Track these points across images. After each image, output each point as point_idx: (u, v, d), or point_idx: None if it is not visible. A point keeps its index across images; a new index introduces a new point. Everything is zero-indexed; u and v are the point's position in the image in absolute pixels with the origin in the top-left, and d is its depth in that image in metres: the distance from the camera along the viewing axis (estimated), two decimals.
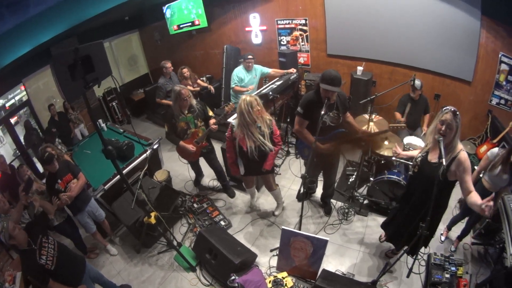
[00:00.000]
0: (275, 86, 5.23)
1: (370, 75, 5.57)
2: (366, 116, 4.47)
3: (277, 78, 5.58)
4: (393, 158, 3.44)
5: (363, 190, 4.72)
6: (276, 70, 5.72)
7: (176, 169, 5.45)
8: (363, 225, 4.30)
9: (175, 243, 3.95)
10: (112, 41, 7.97)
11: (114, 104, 7.63)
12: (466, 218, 3.80)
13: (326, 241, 3.32)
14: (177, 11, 7.26)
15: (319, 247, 3.38)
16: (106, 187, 4.22)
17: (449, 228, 4.00)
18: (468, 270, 3.62)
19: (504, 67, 4.48)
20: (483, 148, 4.78)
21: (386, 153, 4.18)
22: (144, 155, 4.70)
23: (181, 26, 7.39)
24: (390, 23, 5.20)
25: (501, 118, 4.72)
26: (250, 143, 3.58)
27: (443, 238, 4.02)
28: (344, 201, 4.64)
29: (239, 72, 5.43)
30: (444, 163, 2.38)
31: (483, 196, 3.24)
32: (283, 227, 3.53)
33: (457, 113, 2.52)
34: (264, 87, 5.32)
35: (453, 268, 3.38)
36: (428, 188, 2.53)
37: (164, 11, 7.46)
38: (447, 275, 3.32)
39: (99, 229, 4.20)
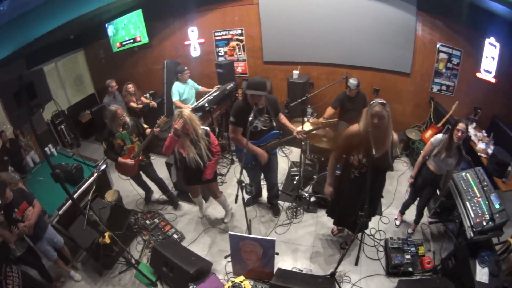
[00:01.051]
0: (211, 97, 5.34)
1: (306, 77, 5.82)
2: (305, 118, 4.63)
3: (215, 89, 5.72)
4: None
5: (309, 188, 4.89)
6: (204, 88, 5.94)
7: (127, 188, 5.37)
8: (313, 222, 4.49)
9: (133, 261, 3.97)
10: (58, 62, 7.71)
11: (62, 127, 7.43)
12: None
13: (273, 241, 3.47)
14: (119, 28, 7.22)
15: (268, 247, 3.51)
16: (60, 212, 4.22)
17: (402, 212, 4.24)
18: (430, 248, 3.83)
19: (443, 56, 4.86)
20: (428, 133, 5.10)
21: (324, 145, 4.37)
22: (93, 177, 4.68)
23: (123, 43, 7.36)
24: (325, 26, 5.41)
25: (443, 103, 5.08)
26: (187, 151, 3.69)
27: (398, 222, 4.26)
28: (291, 201, 4.79)
29: (178, 87, 5.54)
30: (374, 153, 2.60)
31: (430, 177, 3.60)
32: (229, 232, 3.66)
33: (385, 102, 2.71)
34: (202, 99, 5.43)
35: (413, 249, 3.59)
36: (372, 178, 2.72)
37: (106, 28, 7.38)
38: (408, 256, 3.51)
39: (60, 256, 4.14)
